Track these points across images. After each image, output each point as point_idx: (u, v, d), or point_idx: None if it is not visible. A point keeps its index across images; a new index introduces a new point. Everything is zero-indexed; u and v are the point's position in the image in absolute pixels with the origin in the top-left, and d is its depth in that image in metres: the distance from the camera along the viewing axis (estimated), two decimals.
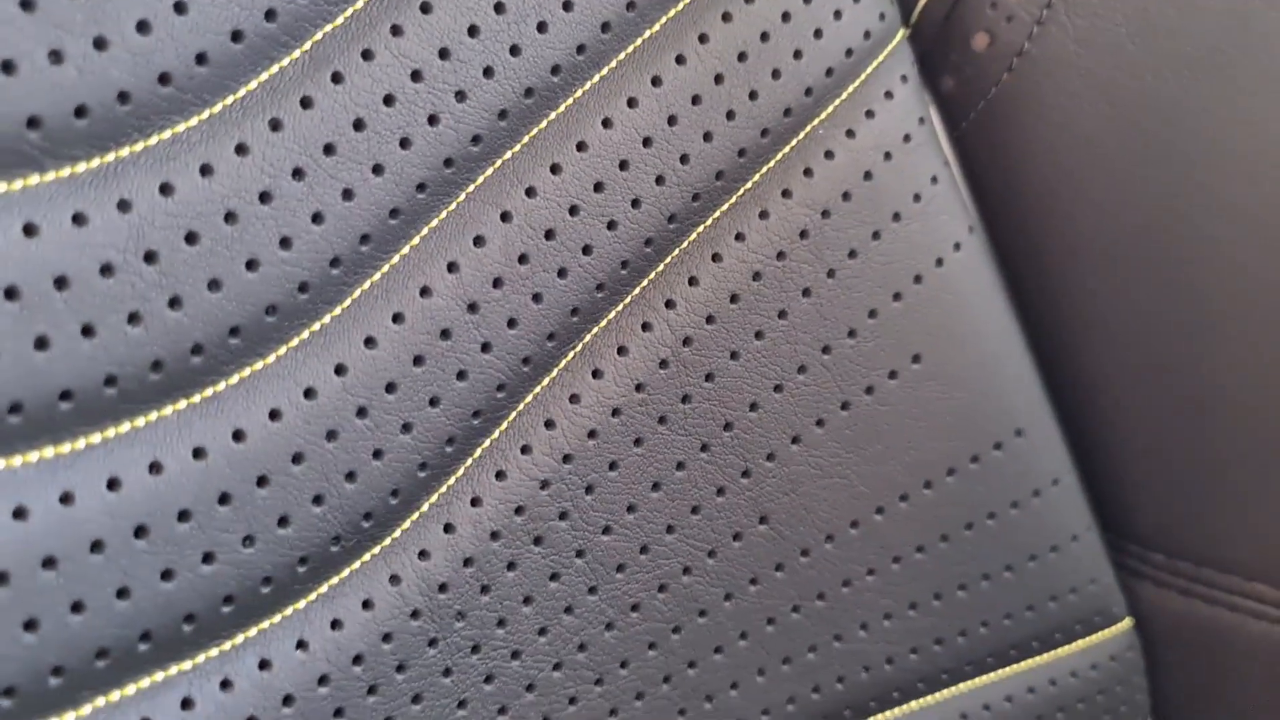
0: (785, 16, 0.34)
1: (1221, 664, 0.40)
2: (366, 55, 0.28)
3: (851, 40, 0.35)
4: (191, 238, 0.26)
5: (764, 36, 0.34)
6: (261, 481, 0.27)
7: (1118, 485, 0.41)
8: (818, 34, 0.34)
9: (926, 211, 0.36)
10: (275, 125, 0.27)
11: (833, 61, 0.35)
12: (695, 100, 0.33)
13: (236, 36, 0.27)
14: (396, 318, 0.29)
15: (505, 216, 0.31)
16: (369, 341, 0.29)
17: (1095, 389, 0.40)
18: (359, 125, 0.28)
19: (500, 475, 0.31)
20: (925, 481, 0.37)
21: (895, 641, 0.37)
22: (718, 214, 0.34)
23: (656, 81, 0.32)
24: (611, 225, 0.32)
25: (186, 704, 0.27)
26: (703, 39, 0.33)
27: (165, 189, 0.26)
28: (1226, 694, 0.41)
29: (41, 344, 0.24)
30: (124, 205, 0.25)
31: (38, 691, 0.25)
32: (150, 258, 0.26)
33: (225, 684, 0.27)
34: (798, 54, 0.34)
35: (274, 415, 0.28)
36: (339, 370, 0.28)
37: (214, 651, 0.27)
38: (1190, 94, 0.36)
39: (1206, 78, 0.36)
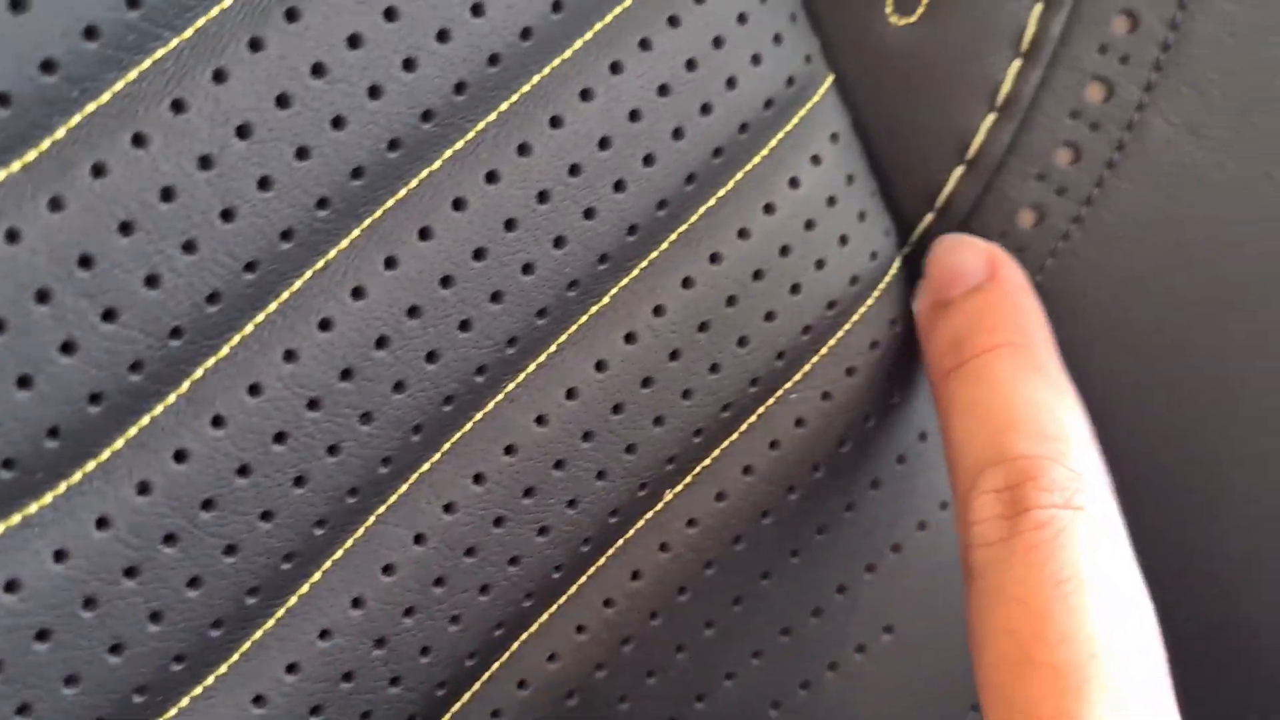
0: (756, 276, 0.29)
1: None
2: (357, 295, 0.25)
3: (835, 291, 0.30)
4: None
5: (731, 300, 0.29)
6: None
7: None
8: (795, 289, 0.30)
9: (911, 472, 0.32)
10: None
11: (811, 319, 0.30)
12: (646, 383, 0.29)
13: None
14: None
15: (478, 479, 0.28)
16: None
17: None
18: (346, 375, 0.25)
19: None
20: None
21: None
22: (670, 497, 0.30)
23: (600, 366, 0.28)
24: (573, 504, 0.28)
25: None
26: (658, 311, 0.29)
27: None
28: None
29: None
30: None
31: None
32: None
33: None
34: (770, 316, 0.30)
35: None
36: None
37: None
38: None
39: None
